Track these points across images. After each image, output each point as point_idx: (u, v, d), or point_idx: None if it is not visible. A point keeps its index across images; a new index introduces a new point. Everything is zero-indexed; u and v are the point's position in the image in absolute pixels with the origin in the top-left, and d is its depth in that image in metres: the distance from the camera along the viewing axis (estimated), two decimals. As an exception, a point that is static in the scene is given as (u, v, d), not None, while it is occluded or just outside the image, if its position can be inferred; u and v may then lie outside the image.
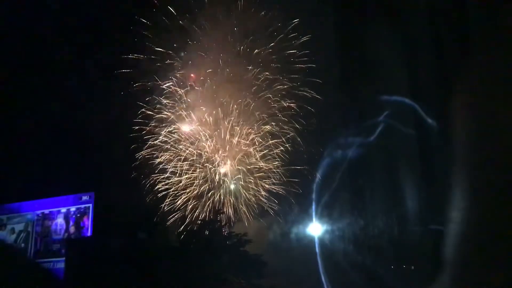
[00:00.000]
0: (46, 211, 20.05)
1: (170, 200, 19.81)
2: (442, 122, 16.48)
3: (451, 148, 14.75)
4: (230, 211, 19.93)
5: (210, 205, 19.74)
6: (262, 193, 20.04)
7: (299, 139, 20.10)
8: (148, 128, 20.18)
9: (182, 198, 19.85)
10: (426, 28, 17.44)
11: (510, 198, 12.12)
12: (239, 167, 20.32)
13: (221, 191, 20.08)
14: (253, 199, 20.06)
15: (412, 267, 18.03)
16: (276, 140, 20.18)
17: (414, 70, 18.28)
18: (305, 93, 20.10)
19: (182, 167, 20.04)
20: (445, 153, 15.62)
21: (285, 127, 20.15)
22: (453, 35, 15.78)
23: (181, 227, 19.25)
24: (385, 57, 19.30)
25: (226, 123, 20.26)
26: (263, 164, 20.19)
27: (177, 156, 20.21)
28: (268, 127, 20.27)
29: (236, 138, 20.31)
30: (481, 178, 13.39)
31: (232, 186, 20.15)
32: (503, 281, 11.98)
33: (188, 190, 19.94)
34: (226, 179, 20.21)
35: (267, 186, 20.11)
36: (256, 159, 20.24)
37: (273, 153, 20.14)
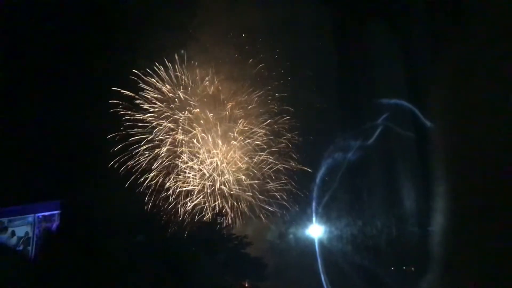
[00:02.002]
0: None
1: (171, 203, 19.59)
2: (439, 125, 16.76)
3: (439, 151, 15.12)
4: (231, 214, 19.78)
5: (211, 207, 19.57)
6: (263, 195, 19.98)
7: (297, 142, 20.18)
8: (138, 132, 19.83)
9: (183, 201, 19.65)
10: (424, 31, 17.76)
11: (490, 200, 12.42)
12: (240, 170, 20.25)
13: (220, 193, 19.96)
14: (254, 202, 19.97)
15: (412, 269, 18.14)
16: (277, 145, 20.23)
17: (412, 73, 18.58)
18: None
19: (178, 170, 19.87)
20: (439, 155, 15.90)
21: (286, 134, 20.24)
22: (451, 38, 16.07)
23: (181, 230, 19.04)
24: (384, 61, 19.60)
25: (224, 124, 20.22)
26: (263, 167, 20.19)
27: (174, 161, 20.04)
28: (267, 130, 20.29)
29: (235, 140, 20.27)
30: (463, 180, 13.69)
31: (229, 178, 19.91)
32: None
33: (188, 194, 19.74)
34: (225, 183, 20.06)
35: (269, 188, 20.07)
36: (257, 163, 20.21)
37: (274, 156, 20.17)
